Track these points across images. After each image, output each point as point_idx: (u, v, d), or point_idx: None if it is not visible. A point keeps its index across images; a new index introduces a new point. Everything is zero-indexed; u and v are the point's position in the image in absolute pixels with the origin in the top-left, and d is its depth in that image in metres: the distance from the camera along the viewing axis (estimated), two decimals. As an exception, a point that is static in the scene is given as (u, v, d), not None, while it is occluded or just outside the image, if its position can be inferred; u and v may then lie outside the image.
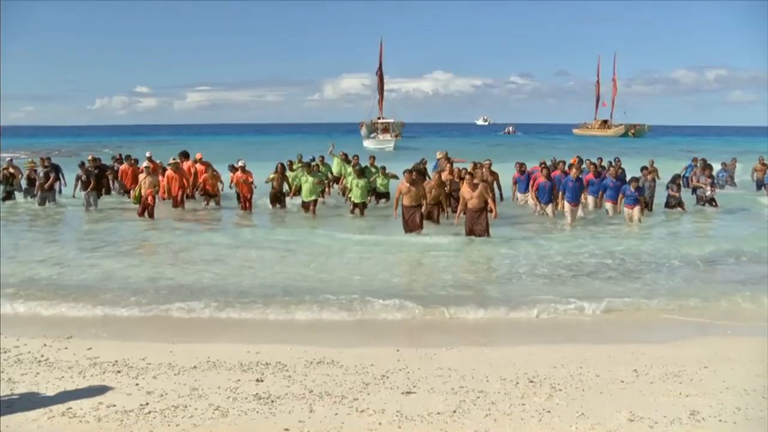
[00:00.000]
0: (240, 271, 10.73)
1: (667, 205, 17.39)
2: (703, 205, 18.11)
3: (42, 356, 6.43)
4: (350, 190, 16.51)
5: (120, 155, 21.57)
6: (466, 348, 6.98)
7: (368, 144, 55.81)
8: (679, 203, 17.28)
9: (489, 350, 6.91)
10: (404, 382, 5.73)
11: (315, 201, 16.47)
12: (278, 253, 12.10)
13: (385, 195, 17.94)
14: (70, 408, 5.05)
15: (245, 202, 16.99)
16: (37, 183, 17.72)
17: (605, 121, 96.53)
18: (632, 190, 15.38)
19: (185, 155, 19.44)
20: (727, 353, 6.72)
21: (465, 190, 12.93)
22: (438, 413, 4.99)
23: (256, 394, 5.41)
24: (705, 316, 8.30)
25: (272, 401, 5.25)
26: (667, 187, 17.65)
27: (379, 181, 17.87)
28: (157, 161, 18.35)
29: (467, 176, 13.45)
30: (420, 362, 6.32)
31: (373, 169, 18.00)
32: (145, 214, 15.70)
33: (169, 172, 17.47)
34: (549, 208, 15.77)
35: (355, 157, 18.98)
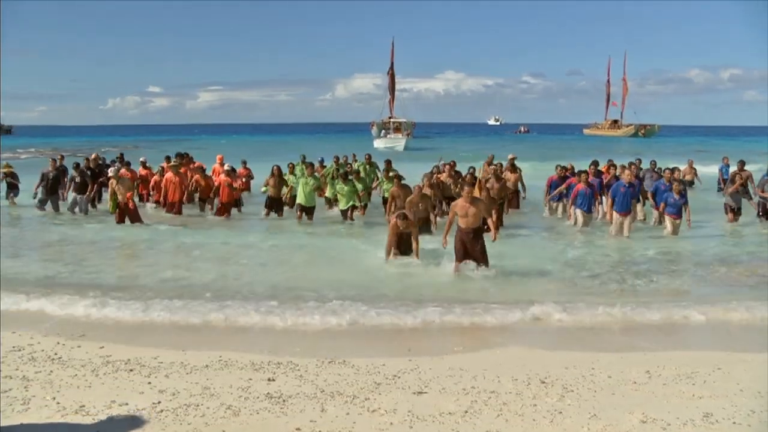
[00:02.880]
0: (249, 272, 10.79)
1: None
2: (765, 215, 15.29)
3: (55, 354, 6.47)
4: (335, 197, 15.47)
5: (121, 156, 20.33)
6: (477, 349, 6.97)
7: (379, 144, 55.81)
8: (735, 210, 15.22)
9: (500, 351, 6.89)
10: (416, 382, 5.72)
11: (312, 208, 15.23)
12: (282, 255, 12.16)
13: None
14: (83, 406, 5.08)
15: (224, 207, 15.72)
16: (42, 185, 16.55)
17: (615, 121, 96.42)
18: (676, 197, 13.16)
19: (184, 157, 18.39)
20: (740, 355, 6.69)
21: (460, 205, 10.24)
22: (449, 413, 4.98)
23: (268, 393, 5.42)
24: (718, 318, 8.24)
25: (284, 401, 5.26)
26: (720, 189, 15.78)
27: (384, 186, 16.24)
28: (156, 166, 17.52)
29: (466, 187, 10.65)
30: (431, 362, 6.31)
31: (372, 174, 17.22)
32: (126, 220, 14.56)
33: (168, 174, 16.12)
34: (586, 217, 14.01)
35: (367, 156, 18.32)
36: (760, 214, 15.28)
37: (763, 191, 15.28)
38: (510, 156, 18.40)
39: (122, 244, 13.35)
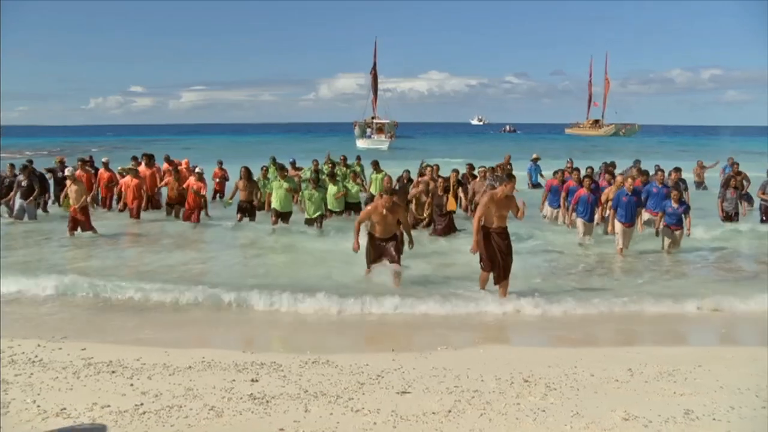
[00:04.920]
0: (231, 270, 10.76)
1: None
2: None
3: (36, 357, 6.40)
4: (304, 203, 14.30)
5: (90, 157, 18.89)
6: (461, 347, 7.00)
7: (362, 144, 55.77)
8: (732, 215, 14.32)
9: (484, 350, 6.92)
10: (399, 381, 5.73)
11: (290, 213, 14.29)
12: (266, 255, 12.12)
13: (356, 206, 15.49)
14: (65, 409, 5.03)
15: (190, 211, 14.68)
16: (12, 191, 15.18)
17: (597, 121, 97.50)
18: (674, 205, 11.91)
19: (151, 158, 17.15)
20: (720, 352, 6.77)
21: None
22: (433, 413, 4.99)
23: (251, 394, 5.40)
24: (700, 316, 8.33)
25: (267, 401, 5.24)
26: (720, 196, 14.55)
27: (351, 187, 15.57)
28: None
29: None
30: (415, 362, 6.32)
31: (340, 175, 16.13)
32: (78, 230, 13.38)
33: (126, 178, 15.41)
34: (588, 226, 12.88)
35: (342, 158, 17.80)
36: (764, 219, 14.46)
37: (764, 193, 14.49)
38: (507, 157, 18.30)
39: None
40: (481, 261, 8.82)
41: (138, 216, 15.23)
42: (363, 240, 9.64)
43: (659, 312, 8.39)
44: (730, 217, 14.30)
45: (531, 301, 8.63)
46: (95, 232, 13.51)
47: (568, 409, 5.06)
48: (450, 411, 5.03)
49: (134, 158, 17.49)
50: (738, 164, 18.04)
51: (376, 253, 9.57)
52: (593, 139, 79.08)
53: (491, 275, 8.85)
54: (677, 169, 13.65)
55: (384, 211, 9.31)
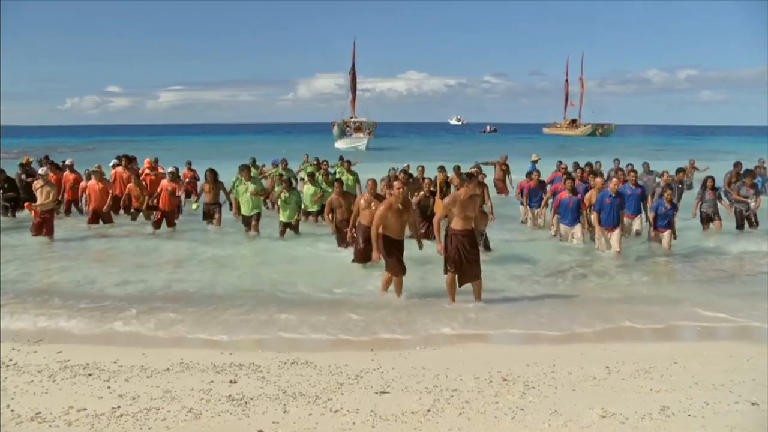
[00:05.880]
0: (209, 274, 10.71)
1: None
2: (743, 225, 14.16)
3: (11, 360, 6.32)
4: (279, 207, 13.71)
5: (46, 157, 18.18)
6: (439, 347, 7.03)
7: (340, 144, 55.70)
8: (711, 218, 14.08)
9: (463, 349, 6.96)
10: (378, 381, 5.73)
11: (258, 215, 13.60)
12: (244, 259, 12.08)
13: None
14: (40, 413, 4.97)
15: (161, 216, 14.05)
16: None
17: (574, 121, 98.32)
18: (667, 206, 11.80)
19: (129, 159, 16.42)
20: (696, 349, 6.87)
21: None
22: (412, 413, 5.00)
23: (230, 395, 5.37)
24: (676, 314, 8.42)
25: (246, 402, 5.22)
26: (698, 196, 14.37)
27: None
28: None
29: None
30: (394, 362, 6.33)
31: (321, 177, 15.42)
32: (43, 232, 12.83)
33: (91, 181, 14.75)
34: (577, 230, 12.47)
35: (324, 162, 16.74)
36: (740, 225, 14.11)
37: (738, 194, 14.25)
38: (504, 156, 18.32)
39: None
40: (445, 263, 8.41)
41: (101, 221, 14.57)
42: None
43: (638, 310, 8.47)
44: (710, 218, 14.08)
45: (508, 300, 8.71)
46: (51, 238, 12.97)
47: (546, 408, 5.09)
48: (429, 410, 5.04)
49: (118, 158, 16.81)
50: (763, 159, 18.00)
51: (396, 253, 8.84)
52: (570, 139, 79.75)
53: (456, 278, 8.44)
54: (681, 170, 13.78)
55: (399, 206, 8.77)
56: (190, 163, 19.46)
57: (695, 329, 7.90)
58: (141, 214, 14.99)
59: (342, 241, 11.84)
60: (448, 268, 8.38)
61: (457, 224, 8.30)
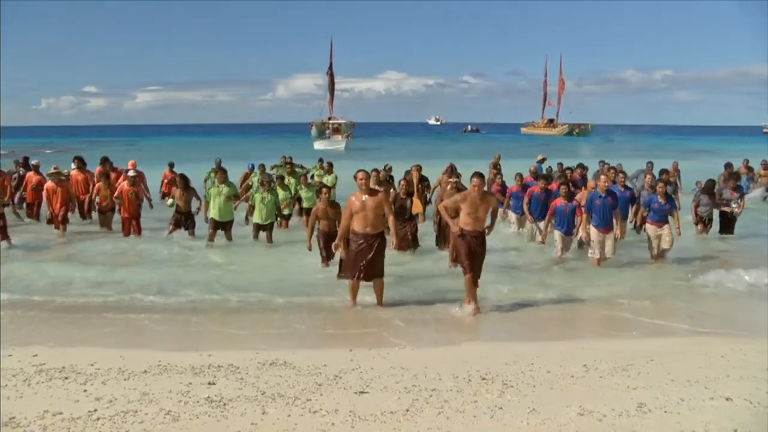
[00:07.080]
0: (187, 276, 10.65)
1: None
2: (726, 230, 13.93)
3: (-16, 364, 6.24)
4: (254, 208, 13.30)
5: (25, 159, 17.87)
6: (418, 347, 7.05)
7: (319, 145, 55.62)
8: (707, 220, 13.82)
9: (442, 348, 6.99)
10: (357, 382, 5.73)
11: (231, 222, 13.04)
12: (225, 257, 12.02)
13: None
14: (14, 418, 4.90)
15: (128, 222, 13.62)
16: None
17: (551, 120, 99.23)
18: (661, 200, 11.24)
19: (82, 161, 16.05)
20: (672, 346, 6.95)
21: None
22: (391, 412, 5.00)
23: (208, 397, 5.34)
24: (651, 313, 8.52)
25: (224, 404, 5.19)
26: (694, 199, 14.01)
27: (303, 193, 14.78)
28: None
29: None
30: (373, 362, 6.33)
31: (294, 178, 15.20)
32: None
33: (48, 184, 14.15)
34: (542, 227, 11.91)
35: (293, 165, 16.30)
36: (724, 229, 13.91)
37: (721, 197, 13.95)
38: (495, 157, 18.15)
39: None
40: (460, 261, 8.30)
41: (64, 225, 13.98)
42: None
43: (615, 309, 8.57)
44: (704, 222, 13.83)
45: (489, 299, 8.76)
46: (10, 243, 12.51)
47: (524, 406, 5.12)
48: (408, 410, 5.05)
49: (77, 158, 16.33)
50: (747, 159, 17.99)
51: (358, 258, 8.33)
52: (548, 139, 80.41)
53: (472, 277, 8.27)
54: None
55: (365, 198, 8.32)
56: (172, 165, 19.19)
57: (672, 327, 7.99)
58: (99, 214, 14.59)
59: (328, 258, 10.63)
60: (464, 269, 8.32)
61: (467, 224, 8.26)
